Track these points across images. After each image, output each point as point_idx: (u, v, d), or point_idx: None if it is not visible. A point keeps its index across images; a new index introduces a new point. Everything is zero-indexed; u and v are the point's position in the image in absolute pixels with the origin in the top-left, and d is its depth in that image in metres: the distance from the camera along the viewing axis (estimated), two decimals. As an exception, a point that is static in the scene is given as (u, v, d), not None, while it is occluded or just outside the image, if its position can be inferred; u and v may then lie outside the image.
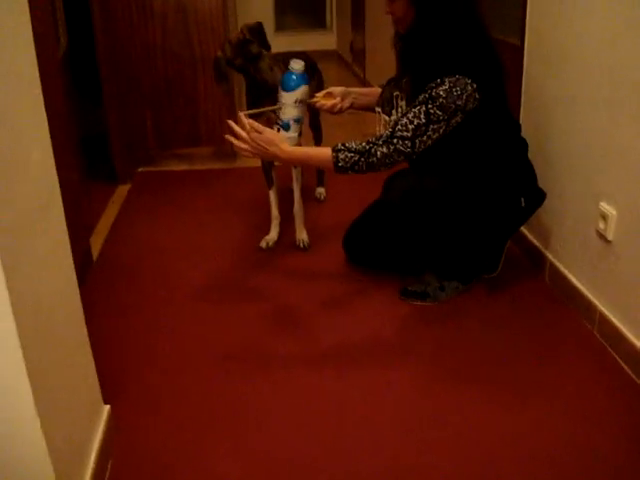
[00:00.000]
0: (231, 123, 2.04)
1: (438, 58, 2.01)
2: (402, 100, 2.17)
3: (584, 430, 1.70)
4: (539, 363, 2.00)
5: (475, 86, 1.97)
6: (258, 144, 2.02)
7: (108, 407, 1.71)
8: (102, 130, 3.74)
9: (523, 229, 2.65)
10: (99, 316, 2.24)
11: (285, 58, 2.82)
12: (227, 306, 2.39)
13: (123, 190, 3.66)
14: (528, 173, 2.25)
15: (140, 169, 3.99)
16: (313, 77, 3.00)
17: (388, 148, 1.99)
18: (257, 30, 2.53)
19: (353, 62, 6.90)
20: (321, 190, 3.41)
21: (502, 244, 2.39)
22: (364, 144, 2.01)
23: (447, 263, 2.35)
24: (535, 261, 2.57)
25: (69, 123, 2.66)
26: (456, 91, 1.96)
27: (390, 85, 2.29)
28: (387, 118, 2.25)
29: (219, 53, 2.57)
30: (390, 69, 2.30)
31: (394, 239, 2.38)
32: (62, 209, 1.48)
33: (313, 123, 3.21)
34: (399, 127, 1.99)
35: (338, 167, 2.01)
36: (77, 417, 1.51)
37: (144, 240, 3.01)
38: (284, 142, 2.05)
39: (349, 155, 2.00)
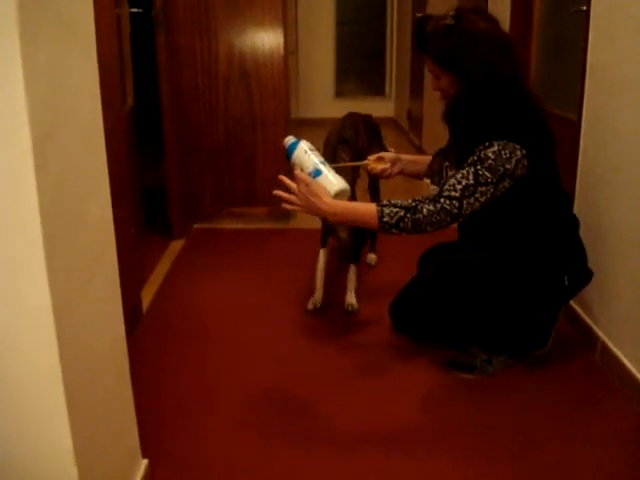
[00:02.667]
0: (283, 178, 2.06)
1: (485, 124, 2.02)
2: (451, 170, 2.17)
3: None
4: (584, 451, 1.91)
5: (524, 152, 1.97)
6: (305, 195, 2.01)
7: (146, 461, 1.72)
8: (162, 184, 3.85)
9: (575, 306, 2.60)
10: (143, 369, 2.26)
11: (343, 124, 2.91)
12: (265, 367, 2.39)
13: (177, 245, 3.74)
14: (576, 251, 2.21)
15: (196, 225, 4.08)
16: (374, 139, 3.08)
17: (435, 206, 1.97)
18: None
19: (410, 130, 6.97)
20: (372, 256, 3.41)
21: (549, 320, 2.34)
22: (410, 201, 2.00)
23: (493, 337, 2.31)
24: (587, 339, 2.51)
25: (130, 179, 2.75)
26: (505, 154, 1.95)
27: (439, 156, 2.31)
28: (436, 188, 2.25)
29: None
30: (446, 138, 2.32)
31: (439, 311, 2.35)
32: (116, 263, 1.51)
33: (372, 186, 3.26)
34: (447, 187, 1.99)
35: (383, 222, 1.98)
36: (114, 468, 1.52)
37: (194, 296, 3.05)
38: (328, 196, 2.01)
39: (394, 210, 1.98)
